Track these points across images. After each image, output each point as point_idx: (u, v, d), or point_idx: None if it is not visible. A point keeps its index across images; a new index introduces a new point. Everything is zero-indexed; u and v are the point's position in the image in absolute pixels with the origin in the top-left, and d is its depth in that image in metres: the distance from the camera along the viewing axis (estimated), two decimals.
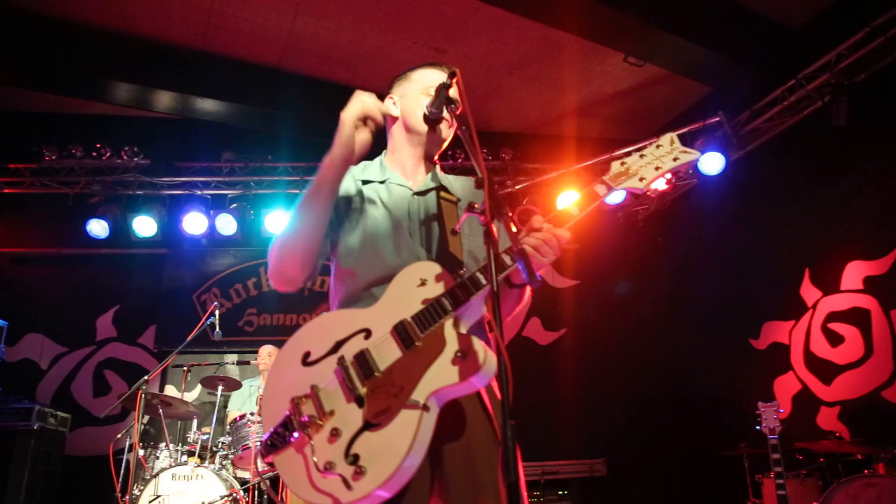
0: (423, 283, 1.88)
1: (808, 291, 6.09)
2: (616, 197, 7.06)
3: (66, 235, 7.63)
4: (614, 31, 5.90)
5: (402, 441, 1.69)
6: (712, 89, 7.00)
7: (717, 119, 6.62)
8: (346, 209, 2.16)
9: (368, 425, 1.75)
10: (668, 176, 2.03)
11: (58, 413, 6.43)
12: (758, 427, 4.67)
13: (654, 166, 1.99)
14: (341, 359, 1.86)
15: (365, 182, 2.19)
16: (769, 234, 6.55)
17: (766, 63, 6.29)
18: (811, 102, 6.11)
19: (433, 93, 2.11)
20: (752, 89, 6.48)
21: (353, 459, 1.72)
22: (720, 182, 6.80)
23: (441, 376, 1.74)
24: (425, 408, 1.71)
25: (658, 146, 2.03)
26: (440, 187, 2.17)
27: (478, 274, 1.80)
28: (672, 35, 5.84)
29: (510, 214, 1.68)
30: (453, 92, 2.08)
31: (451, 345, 1.76)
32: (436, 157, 2.29)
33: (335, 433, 1.78)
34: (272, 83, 7.00)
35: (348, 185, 2.18)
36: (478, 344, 1.72)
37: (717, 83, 6.82)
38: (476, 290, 1.79)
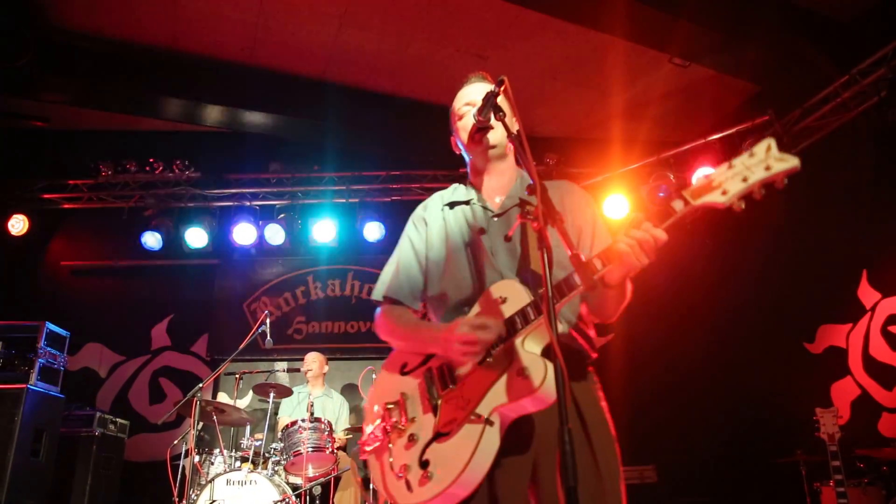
0: (503, 300, 1.93)
1: (867, 293, 5.89)
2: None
3: (122, 248, 7.90)
4: (660, 33, 5.81)
5: (464, 452, 1.74)
6: (761, 87, 6.84)
7: (767, 118, 6.47)
8: (434, 238, 2.24)
9: (439, 434, 1.84)
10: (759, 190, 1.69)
11: (117, 419, 6.64)
12: (816, 433, 4.54)
13: (741, 177, 1.69)
14: (428, 370, 1.98)
15: (452, 204, 2.26)
16: (823, 235, 6.36)
17: (817, 59, 6.11)
18: (866, 98, 5.91)
19: (463, 112, 2.21)
20: (803, 86, 6.31)
21: (424, 465, 1.81)
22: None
23: (505, 392, 1.78)
24: (489, 422, 1.75)
25: (751, 154, 1.70)
26: (522, 202, 2.18)
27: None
28: (719, 34, 5.75)
29: (563, 220, 1.69)
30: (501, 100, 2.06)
31: (518, 362, 1.80)
32: (518, 164, 2.26)
33: (412, 439, 1.89)
34: (317, 94, 7.12)
35: (435, 216, 2.27)
36: (540, 363, 1.75)
37: (766, 81, 6.66)
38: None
